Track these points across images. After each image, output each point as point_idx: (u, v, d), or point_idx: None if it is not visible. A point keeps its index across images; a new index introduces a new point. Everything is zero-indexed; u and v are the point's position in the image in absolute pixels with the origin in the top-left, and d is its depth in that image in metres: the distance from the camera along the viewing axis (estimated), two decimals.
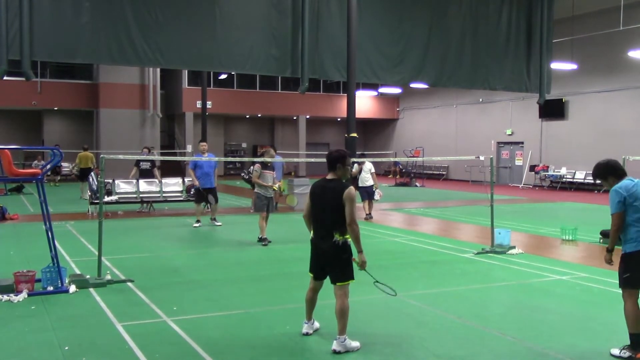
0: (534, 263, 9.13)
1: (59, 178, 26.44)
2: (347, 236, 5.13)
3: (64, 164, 26.82)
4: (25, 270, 7.08)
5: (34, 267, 7.33)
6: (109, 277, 7.54)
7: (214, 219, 13.30)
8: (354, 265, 5.20)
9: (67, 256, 9.23)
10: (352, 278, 5.20)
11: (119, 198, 15.32)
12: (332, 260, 5.16)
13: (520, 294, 7.35)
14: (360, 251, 5.10)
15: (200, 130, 29.13)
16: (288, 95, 33.94)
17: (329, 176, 5.23)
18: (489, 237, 10.16)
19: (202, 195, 13.21)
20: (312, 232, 5.29)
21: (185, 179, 16.70)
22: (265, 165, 10.80)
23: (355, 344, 5.09)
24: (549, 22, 19.60)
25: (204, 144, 13.69)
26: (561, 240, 11.42)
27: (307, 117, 35.71)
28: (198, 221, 13.03)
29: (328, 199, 5.09)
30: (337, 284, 5.17)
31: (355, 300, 6.85)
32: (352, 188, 5.11)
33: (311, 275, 5.44)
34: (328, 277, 5.31)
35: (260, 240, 10.72)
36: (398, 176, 31.08)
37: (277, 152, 14.17)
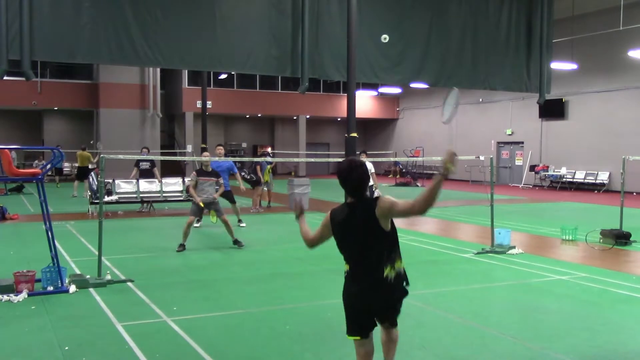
0: (534, 263, 9.13)
1: (58, 178, 26.45)
2: (400, 264, 3.88)
3: (65, 164, 26.84)
4: (25, 270, 7.08)
5: (34, 267, 7.33)
6: (109, 277, 7.54)
7: (240, 221, 13.26)
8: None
9: (67, 256, 9.23)
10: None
11: (119, 198, 15.32)
12: (389, 300, 3.86)
13: (520, 294, 7.35)
14: (439, 180, 3.60)
15: (200, 130, 29.12)
16: (288, 95, 33.94)
17: (349, 200, 3.84)
18: (489, 237, 10.16)
19: None
20: (348, 274, 3.89)
21: (185, 179, 16.70)
22: (202, 171, 10.46)
23: None
24: (549, 22, 19.59)
25: (221, 148, 13.64)
26: (561, 240, 11.41)
27: (307, 117, 35.72)
28: (198, 221, 13.02)
29: (360, 228, 3.74)
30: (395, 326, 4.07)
31: None
32: (382, 196, 3.80)
33: (357, 338, 3.91)
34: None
35: (181, 245, 10.26)
36: (398, 176, 31.07)
37: (273, 150, 14.10)
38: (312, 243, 4.08)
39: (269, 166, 16.68)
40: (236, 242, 10.44)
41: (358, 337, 3.85)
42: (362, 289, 3.76)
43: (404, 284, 3.89)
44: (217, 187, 10.55)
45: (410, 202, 3.60)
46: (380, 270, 3.69)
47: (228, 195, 13.16)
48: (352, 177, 3.71)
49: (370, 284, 3.73)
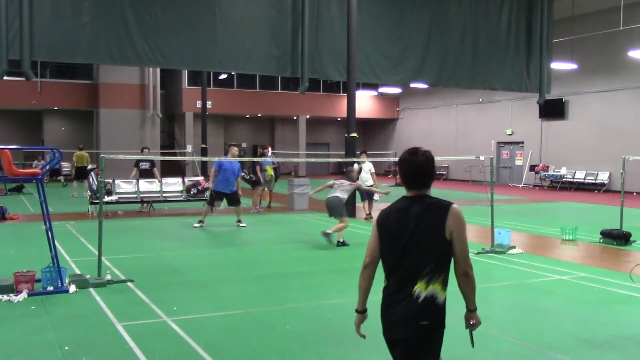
0: (534, 263, 9.13)
1: (58, 178, 26.46)
2: (441, 290, 3.12)
3: (65, 164, 26.82)
4: (25, 270, 7.08)
5: (34, 267, 7.32)
6: (109, 277, 7.54)
7: (239, 221, 13.25)
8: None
9: (67, 256, 9.23)
10: None
11: (119, 198, 15.31)
12: (410, 330, 3.05)
13: (520, 294, 7.35)
14: (473, 308, 3.42)
15: (200, 130, 29.15)
16: (288, 95, 33.95)
17: (411, 193, 3.24)
18: (489, 237, 10.16)
19: (214, 198, 13.21)
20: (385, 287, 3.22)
21: (186, 179, 16.71)
22: (344, 176, 10.23)
23: None
24: (549, 22, 19.61)
25: (236, 149, 13.68)
26: (561, 240, 11.41)
27: (307, 117, 35.72)
28: (201, 222, 12.99)
29: (413, 227, 3.07)
30: None
31: (354, 300, 6.85)
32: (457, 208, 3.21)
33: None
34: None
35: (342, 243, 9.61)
36: (398, 176, 31.13)
37: (275, 152, 14.11)
38: (366, 264, 3.26)
39: (267, 166, 16.63)
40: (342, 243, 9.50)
41: None
42: (392, 312, 3.07)
43: (436, 318, 3.06)
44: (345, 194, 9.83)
45: (468, 260, 3.16)
46: (412, 283, 2.98)
47: (234, 196, 13.17)
48: (414, 163, 3.16)
49: (397, 302, 2.99)
